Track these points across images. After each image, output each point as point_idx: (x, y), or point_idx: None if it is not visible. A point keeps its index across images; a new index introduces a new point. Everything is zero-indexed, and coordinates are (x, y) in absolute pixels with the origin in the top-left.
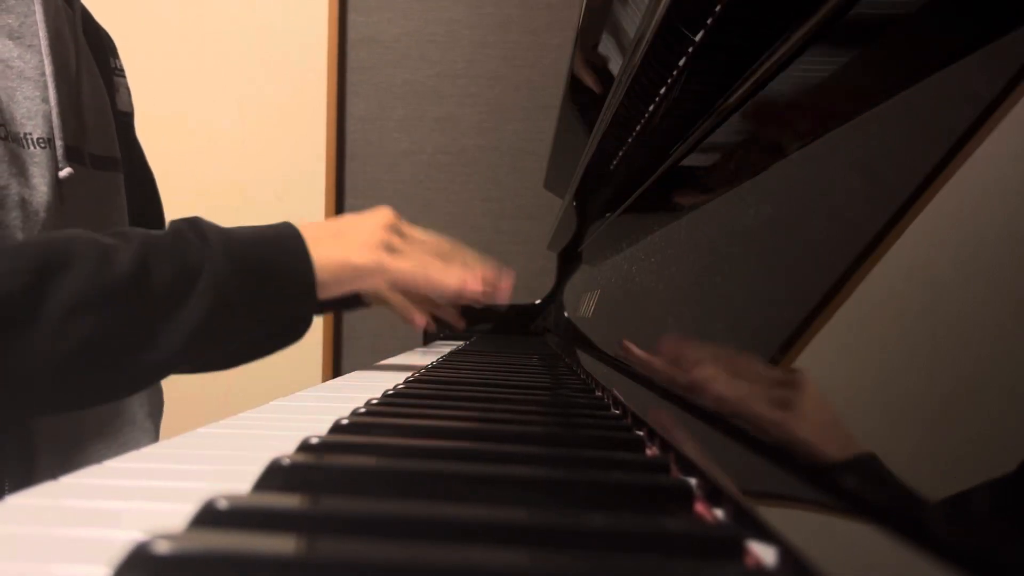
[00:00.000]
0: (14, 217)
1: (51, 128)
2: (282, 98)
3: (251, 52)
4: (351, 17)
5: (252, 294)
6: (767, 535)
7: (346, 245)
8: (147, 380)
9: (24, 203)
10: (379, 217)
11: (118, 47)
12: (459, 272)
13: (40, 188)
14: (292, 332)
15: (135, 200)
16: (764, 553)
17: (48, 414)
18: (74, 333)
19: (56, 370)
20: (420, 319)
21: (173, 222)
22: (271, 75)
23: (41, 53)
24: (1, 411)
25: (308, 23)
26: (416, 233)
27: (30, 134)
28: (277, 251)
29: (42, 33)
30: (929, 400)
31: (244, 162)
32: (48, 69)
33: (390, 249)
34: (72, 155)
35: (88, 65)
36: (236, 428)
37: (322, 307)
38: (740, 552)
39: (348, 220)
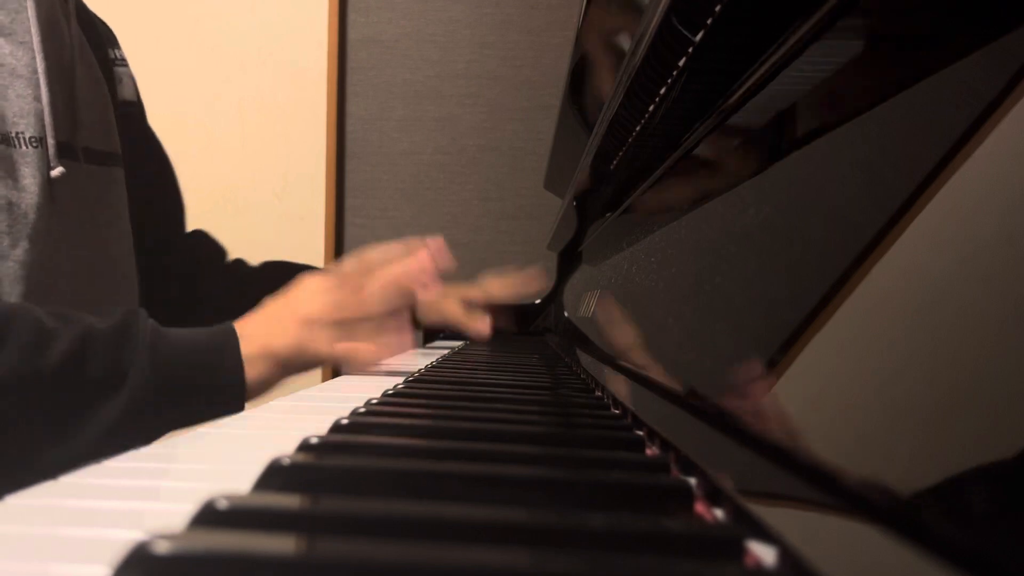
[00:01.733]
0: (0, 220)
1: (43, 126)
2: (282, 98)
3: (251, 52)
4: (351, 17)
5: (172, 400)
6: (767, 535)
7: (274, 333)
8: (56, 470)
9: (11, 206)
10: (324, 293)
11: None
12: (378, 350)
13: (30, 189)
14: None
15: (146, 192)
16: (764, 553)
17: None
18: (2, 408)
19: None
20: (484, 326)
21: (122, 314)
22: (271, 75)
23: (33, 50)
24: None
25: (308, 23)
26: (370, 282)
27: (22, 133)
28: (208, 359)
29: (34, 30)
30: (929, 400)
31: (244, 162)
32: (40, 66)
33: (338, 326)
34: (65, 151)
35: (85, 58)
36: (236, 428)
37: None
38: (740, 552)
39: (288, 307)
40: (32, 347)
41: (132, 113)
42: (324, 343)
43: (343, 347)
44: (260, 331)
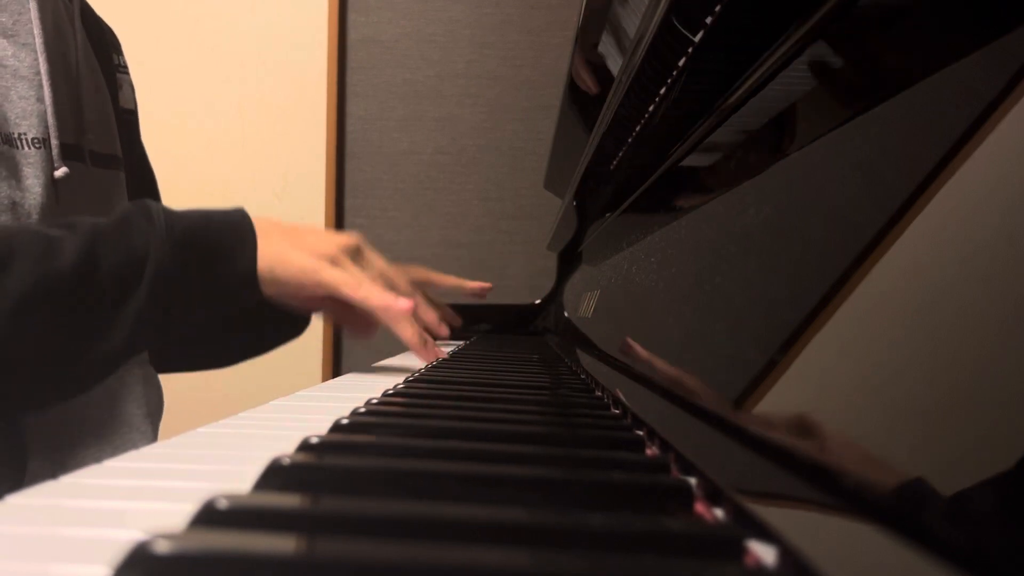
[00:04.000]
0: (3, 221)
1: (47, 128)
2: (282, 98)
3: (251, 52)
4: (351, 17)
5: (194, 278)
6: (767, 535)
7: (291, 244)
8: (101, 371)
9: (15, 206)
10: (339, 236)
11: None
12: (389, 298)
13: (34, 189)
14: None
15: (136, 199)
16: (764, 553)
17: (4, 415)
18: (20, 329)
19: (6, 369)
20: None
21: (123, 206)
22: (271, 75)
23: (36, 51)
24: None
25: (308, 23)
26: (376, 261)
27: (24, 134)
28: (222, 236)
29: (37, 31)
30: (929, 400)
31: (244, 162)
32: (43, 68)
33: (333, 262)
34: (71, 153)
35: (89, 61)
36: (236, 428)
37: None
38: (740, 552)
39: (308, 228)
40: (40, 258)
41: (130, 121)
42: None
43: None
44: (269, 225)
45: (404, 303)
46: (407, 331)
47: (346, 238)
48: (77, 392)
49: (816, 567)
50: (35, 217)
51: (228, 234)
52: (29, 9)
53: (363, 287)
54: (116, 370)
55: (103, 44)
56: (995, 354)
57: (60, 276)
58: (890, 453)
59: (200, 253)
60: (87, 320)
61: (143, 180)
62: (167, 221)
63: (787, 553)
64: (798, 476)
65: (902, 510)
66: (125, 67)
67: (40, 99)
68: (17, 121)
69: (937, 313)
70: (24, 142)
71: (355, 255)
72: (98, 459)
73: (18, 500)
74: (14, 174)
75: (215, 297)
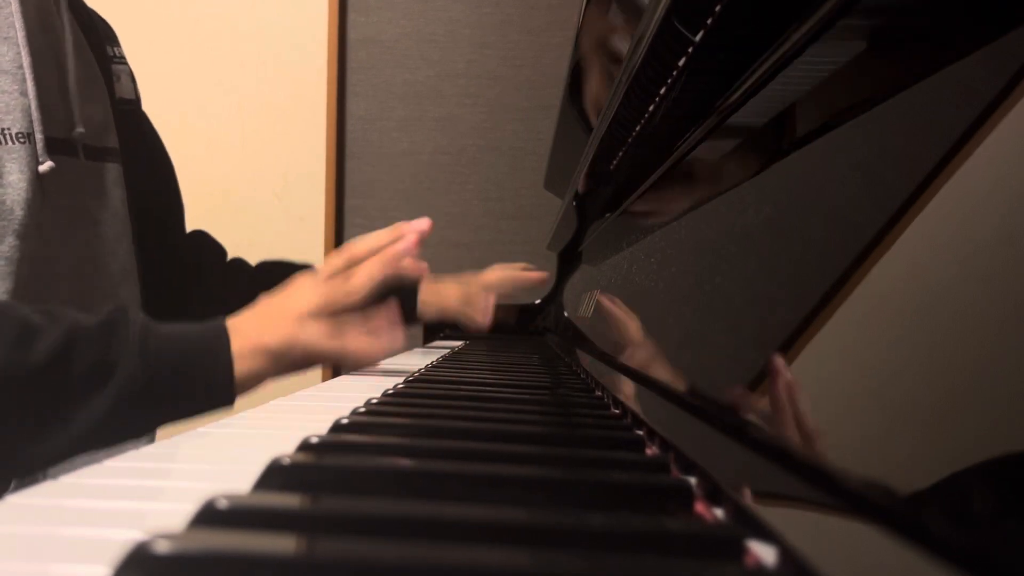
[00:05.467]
0: None
1: (31, 122)
2: (282, 98)
3: (251, 52)
4: (351, 17)
5: (162, 393)
6: (767, 535)
7: (266, 330)
8: (45, 464)
9: None
10: (300, 288)
11: None
12: (373, 344)
13: (18, 185)
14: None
15: (146, 190)
16: (764, 553)
17: None
18: None
19: None
20: (484, 318)
21: (109, 311)
22: (271, 75)
23: (18, 45)
24: None
25: (308, 23)
26: (360, 248)
27: (8, 129)
28: (196, 354)
29: (19, 24)
30: (929, 400)
31: (244, 162)
32: (26, 61)
33: (306, 321)
34: (60, 147)
35: (80, 54)
36: (236, 428)
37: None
38: (740, 552)
39: (273, 300)
40: (17, 343)
41: (131, 111)
42: (316, 336)
43: (336, 341)
44: (251, 326)
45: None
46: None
47: (318, 286)
48: (16, 476)
49: (816, 567)
50: (19, 213)
51: (203, 351)
52: (10, 2)
53: (368, 347)
54: (66, 460)
55: (96, 36)
56: (995, 354)
57: (30, 367)
58: (890, 453)
59: (171, 370)
60: (42, 416)
61: (156, 169)
62: (142, 334)
63: (787, 553)
64: (798, 476)
65: (902, 510)
66: (122, 58)
67: (23, 93)
68: (0, 116)
69: (937, 313)
70: (8, 137)
71: (340, 281)
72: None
73: (18, 500)
74: None
75: (184, 410)
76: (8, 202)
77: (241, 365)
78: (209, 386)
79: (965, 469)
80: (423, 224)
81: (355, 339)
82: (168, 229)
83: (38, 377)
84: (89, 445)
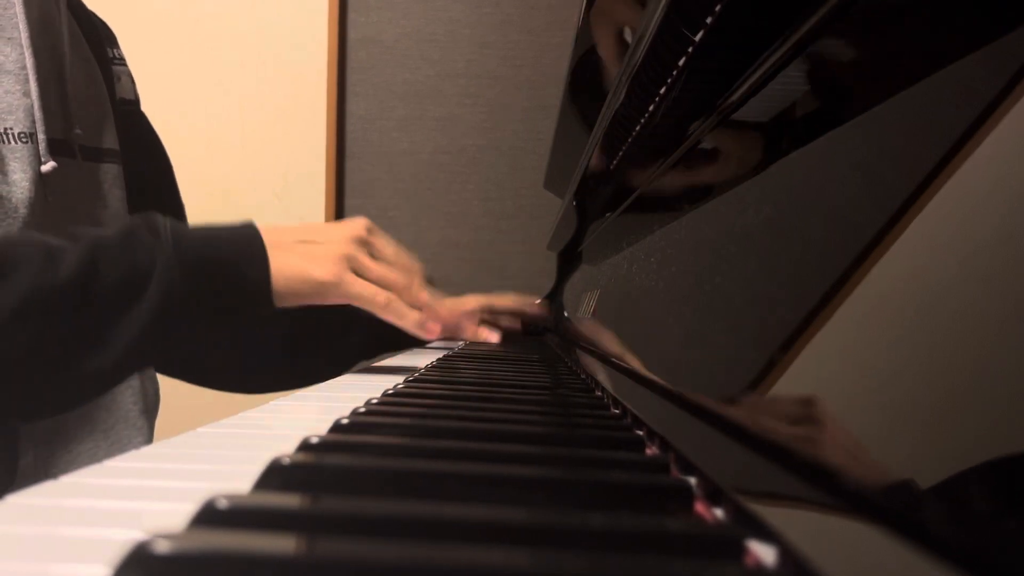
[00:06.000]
0: None
1: (33, 122)
2: (282, 98)
3: (251, 52)
4: (351, 17)
5: (204, 296)
6: (767, 535)
7: (307, 255)
8: (98, 385)
9: (1, 200)
10: (349, 229)
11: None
12: (417, 316)
13: (21, 184)
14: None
15: (147, 191)
16: (764, 553)
17: (4, 420)
18: (18, 339)
19: (8, 374)
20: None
21: (129, 219)
22: (271, 75)
23: (22, 46)
24: None
25: (308, 23)
26: (387, 249)
27: (11, 129)
28: (233, 252)
29: (22, 25)
30: (929, 400)
31: (244, 162)
32: (29, 62)
33: (354, 265)
34: (59, 148)
35: (80, 54)
36: (236, 428)
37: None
38: (740, 552)
39: (315, 228)
40: (41, 267)
41: (131, 112)
42: (342, 260)
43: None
44: (279, 233)
45: (433, 327)
46: (432, 335)
47: (355, 229)
48: (70, 406)
49: (816, 567)
50: (23, 212)
51: (238, 249)
52: (14, 3)
53: (391, 305)
54: (113, 386)
55: (96, 37)
56: (995, 354)
57: (58, 287)
58: (890, 453)
59: (210, 269)
60: (84, 334)
61: (157, 171)
62: (174, 236)
63: (787, 553)
64: (798, 476)
65: (902, 510)
66: (122, 59)
67: (26, 93)
68: (3, 116)
69: (937, 313)
70: (11, 137)
71: (367, 246)
72: (92, 453)
73: (18, 500)
74: (0, 169)
75: (226, 313)
76: (14, 200)
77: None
78: (248, 282)
79: (965, 469)
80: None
81: (367, 285)
82: None
83: (71, 295)
84: (138, 360)
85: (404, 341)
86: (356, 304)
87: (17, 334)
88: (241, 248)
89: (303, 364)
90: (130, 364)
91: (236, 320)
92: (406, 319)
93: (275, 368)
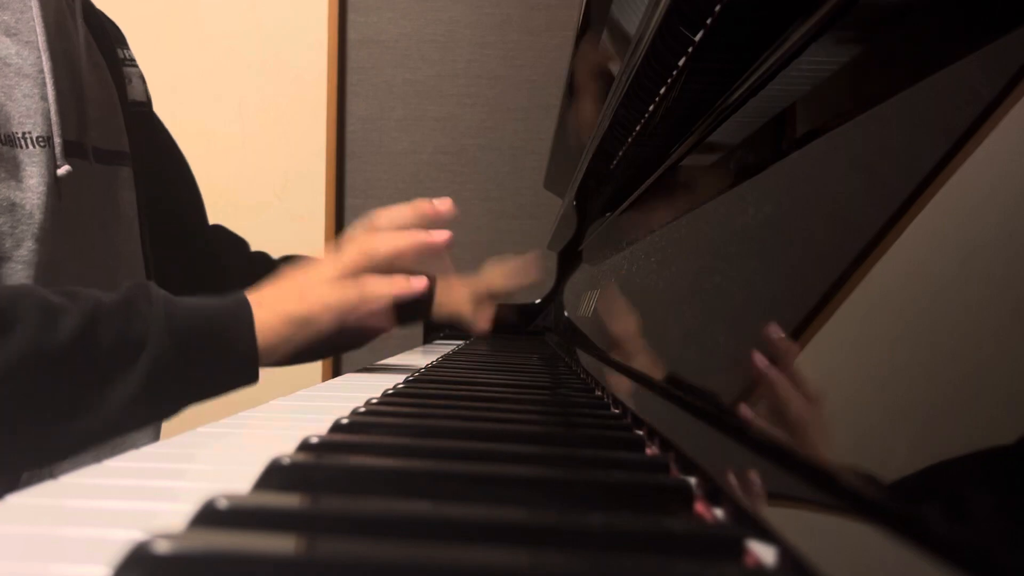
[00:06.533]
0: (2, 223)
1: (50, 125)
2: (282, 98)
3: (251, 52)
4: (351, 17)
5: (192, 364)
6: (767, 535)
7: (289, 298)
8: (87, 444)
9: (14, 207)
10: (330, 262)
11: None
12: (394, 282)
13: (37, 189)
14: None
15: (162, 190)
16: (764, 553)
17: None
18: (11, 394)
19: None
20: (486, 323)
21: (126, 287)
22: (271, 75)
23: (39, 49)
24: None
25: (308, 23)
26: (382, 245)
27: (29, 132)
28: (221, 322)
29: (39, 29)
30: (929, 400)
31: (244, 162)
32: (46, 65)
33: (336, 284)
34: (73, 150)
35: (92, 56)
36: (236, 428)
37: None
38: (740, 552)
39: (309, 279)
40: (41, 326)
41: (142, 112)
42: (336, 292)
43: (354, 289)
44: (271, 296)
45: (409, 285)
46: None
47: (346, 262)
48: (56, 459)
49: (816, 567)
50: (38, 216)
51: (227, 323)
52: (31, 7)
53: (366, 289)
54: (101, 444)
55: (107, 39)
56: (995, 354)
57: (57, 347)
58: (890, 453)
59: (198, 343)
60: (72, 396)
61: (171, 171)
62: (167, 308)
63: (787, 553)
64: (798, 476)
65: (902, 510)
66: (132, 60)
67: (43, 97)
68: (21, 120)
69: (937, 313)
70: (29, 140)
71: (363, 269)
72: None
73: (18, 500)
74: (14, 174)
75: (211, 385)
76: (28, 206)
77: (265, 335)
78: (234, 358)
79: (965, 469)
80: (445, 206)
81: (374, 281)
82: (188, 228)
83: (65, 357)
84: (121, 426)
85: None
86: (343, 313)
87: (12, 388)
88: (229, 320)
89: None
90: (120, 426)
91: (223, 390)
92: (382, 289)
93: None
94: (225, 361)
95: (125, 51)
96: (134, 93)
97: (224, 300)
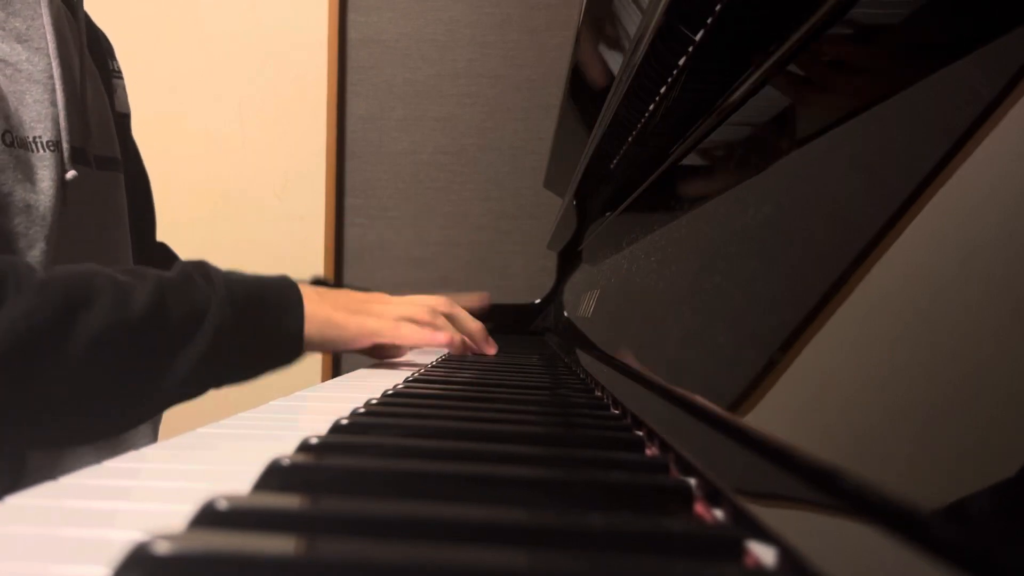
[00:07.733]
0: (17, 223)
1: (58, 130)
2: (282, 98)
3: (251, 52)
4: (351, 17)
5: (247, 335)
6: (767, 535)
7: (339, 305)
8: (153, 411)
9: (29, 208)
10: (399, 300)
11: (118, 47)
12: (427, 333)
13: (47, 192)
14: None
15: (132, 200)
16: (764, 553)
17: (61, 446)
18: (95, 366)
19: (77, 401)
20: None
21: (182, 264)
22: (271, 75)
23: (48, 56)
24: (21, 441)
25: (308, 23)
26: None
27: (40, 137)
28: (274, 296)
29: (49, 36)
30: (929, 400)
31: (244, 162)
32: (56, 72)
33: (388, 319)
34: (78, 156)
35: (89, 66)
36: (236, 428)
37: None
38: (740, 552)
39: (364, 294)
40: (117, 299)
41: (125, 125)
42: (374, 323)
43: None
44: (329, 295)
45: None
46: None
47: (413, 311)
48: (122, 430)
49: (816, 567)
50: (48, 219)
51: (279, 295)
52: (41, 14)
53: (403, 330)
54: (162, 411)
55: (99, 50)
56: (995, 354)
57: (132, 321)
58: (890, 453)
59: (253, 314)
60: (150, 364)
61: (139, 183)
62: (226, 281)
63: (787, 553)
64: (798, 476)
65: (902, 510)
66: (119, 72)
67: (53, 103)
68: (32, 124)
69: (937, 313)
70: (39, 145)
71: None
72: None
73: (18, 500)
74: (29, 177)
75: (263, 355)
76: (41, 208)
77: (309, 321)
78: (285, 322)
79: (965, 469)
80: (492, 349)
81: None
82: (143, 240)
83: (143, 327)
84: (183, 394)
85: None
86: (379, 341)
87: (94, 362)
88: (281, 294)
89: None
90: (183, 392)
91: (273, 361)
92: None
93: None
94: (276, 333)
95: (114, 63)
96: (120, 105)
97: (273, 278)
